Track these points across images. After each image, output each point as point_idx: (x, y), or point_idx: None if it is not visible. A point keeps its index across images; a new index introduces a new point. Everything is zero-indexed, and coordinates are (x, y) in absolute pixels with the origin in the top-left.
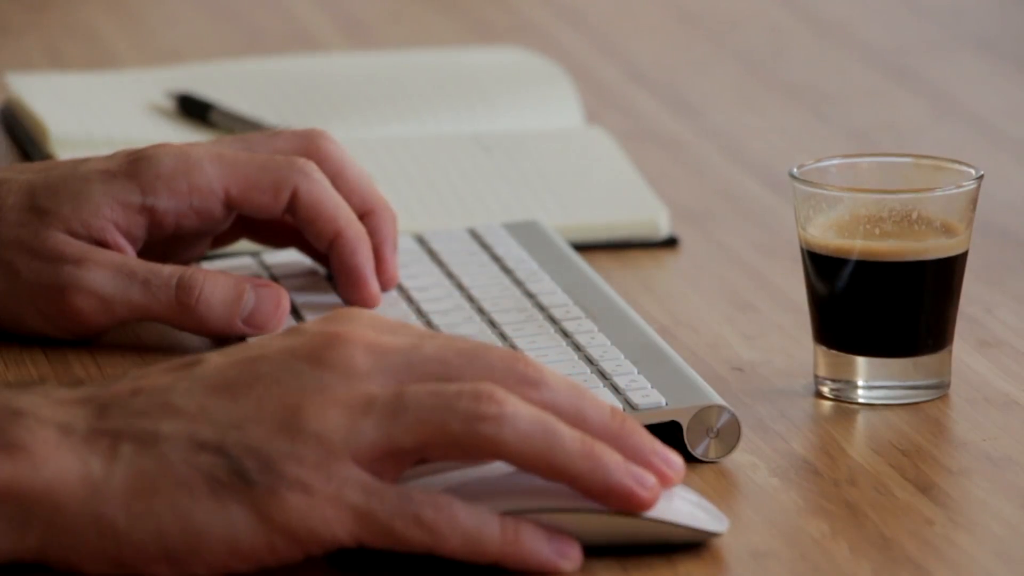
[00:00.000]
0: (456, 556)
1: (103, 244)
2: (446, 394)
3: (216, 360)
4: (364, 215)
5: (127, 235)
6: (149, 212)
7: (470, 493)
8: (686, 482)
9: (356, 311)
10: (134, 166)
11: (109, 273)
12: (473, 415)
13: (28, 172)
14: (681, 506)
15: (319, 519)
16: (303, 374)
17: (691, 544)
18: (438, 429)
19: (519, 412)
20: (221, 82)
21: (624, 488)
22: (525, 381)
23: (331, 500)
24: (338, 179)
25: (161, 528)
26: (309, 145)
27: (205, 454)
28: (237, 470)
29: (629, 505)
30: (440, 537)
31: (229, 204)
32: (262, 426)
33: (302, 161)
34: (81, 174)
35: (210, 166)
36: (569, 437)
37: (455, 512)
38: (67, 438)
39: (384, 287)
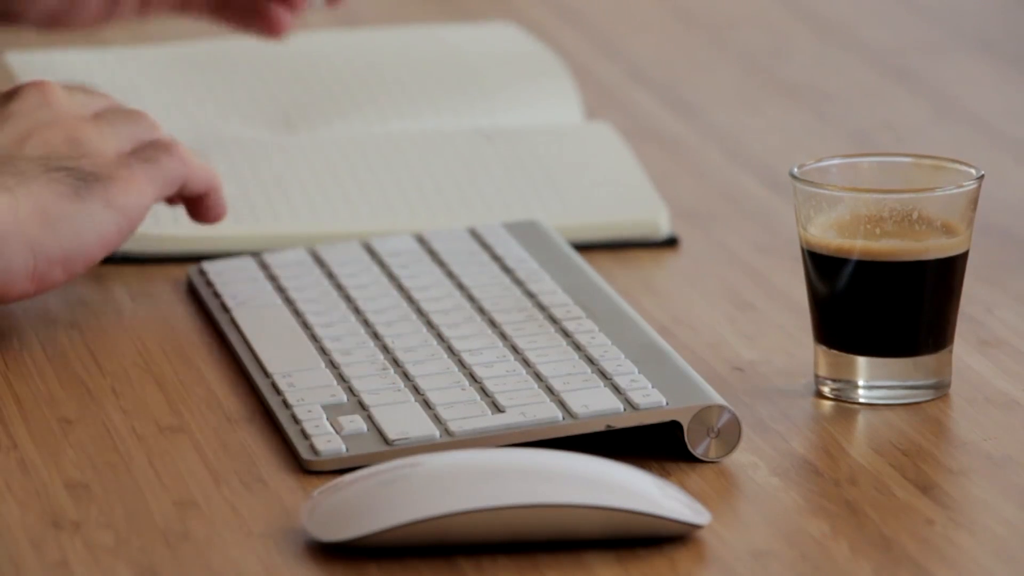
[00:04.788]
0: (196, 180)
1: None
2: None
3: None
4: None
5: None
6: None
7: (473, 489)
8: (683, 481)
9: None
10: None
11: None
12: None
13: None
14: (668, 503)
15: (135, 194)
16: (48, 114)
17: (682, 538)
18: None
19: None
20: (219, 63)
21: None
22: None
23: (133, 178)
24: None
25: (58, 233)
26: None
27: (55, 171)
28: (79, 175)
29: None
30: (189, 163)
31: None
32: (61, 152)
33: None
34: None
35: None
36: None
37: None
38: None
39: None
